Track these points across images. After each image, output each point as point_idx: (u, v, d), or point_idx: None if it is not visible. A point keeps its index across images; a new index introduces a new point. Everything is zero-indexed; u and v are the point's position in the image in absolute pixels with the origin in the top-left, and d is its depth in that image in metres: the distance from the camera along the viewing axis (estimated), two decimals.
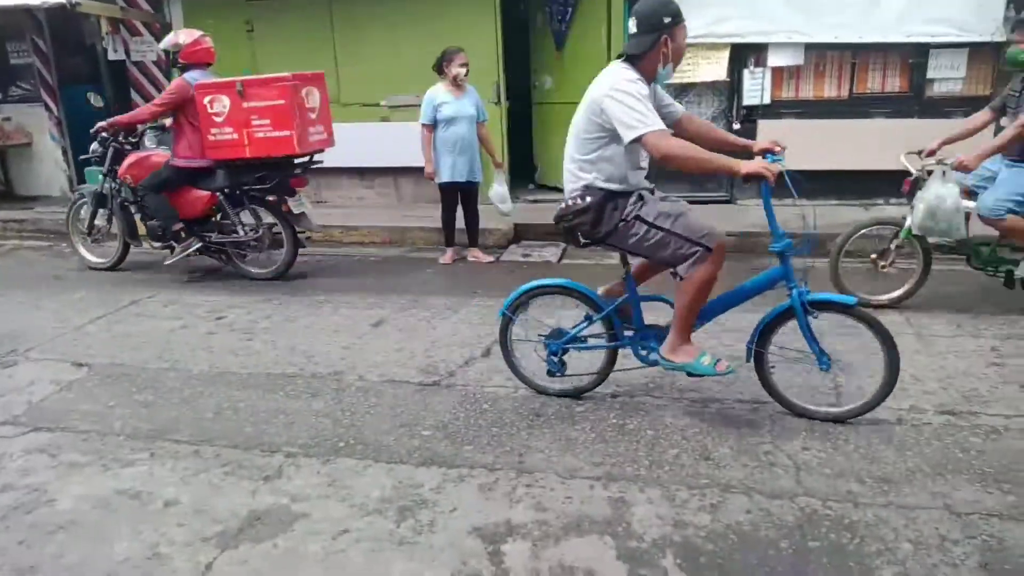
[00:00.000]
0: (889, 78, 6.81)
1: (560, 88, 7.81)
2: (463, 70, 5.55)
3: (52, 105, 8.59)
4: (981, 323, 4.21)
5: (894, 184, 6.93)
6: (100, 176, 5.91)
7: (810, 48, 6.75)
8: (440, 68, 5.60)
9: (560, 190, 8.52)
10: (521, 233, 6.68)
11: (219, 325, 4.58)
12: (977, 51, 6.54)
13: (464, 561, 2.29)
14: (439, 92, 5.60)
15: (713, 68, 6.90)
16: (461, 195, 5.87)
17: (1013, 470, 2.68)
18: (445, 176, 5.72)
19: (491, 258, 6.00)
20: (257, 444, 3.06)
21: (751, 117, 7.02)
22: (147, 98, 8.28)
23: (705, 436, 3.01)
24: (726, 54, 6.84)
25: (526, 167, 8.37)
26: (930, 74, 6.68)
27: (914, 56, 6.67)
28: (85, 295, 5.29)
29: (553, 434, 3.07)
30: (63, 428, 3.24)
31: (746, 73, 6.92)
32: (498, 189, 5.94)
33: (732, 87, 7.02)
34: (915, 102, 6.78)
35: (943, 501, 2.52)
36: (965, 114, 6.65)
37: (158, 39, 8.10)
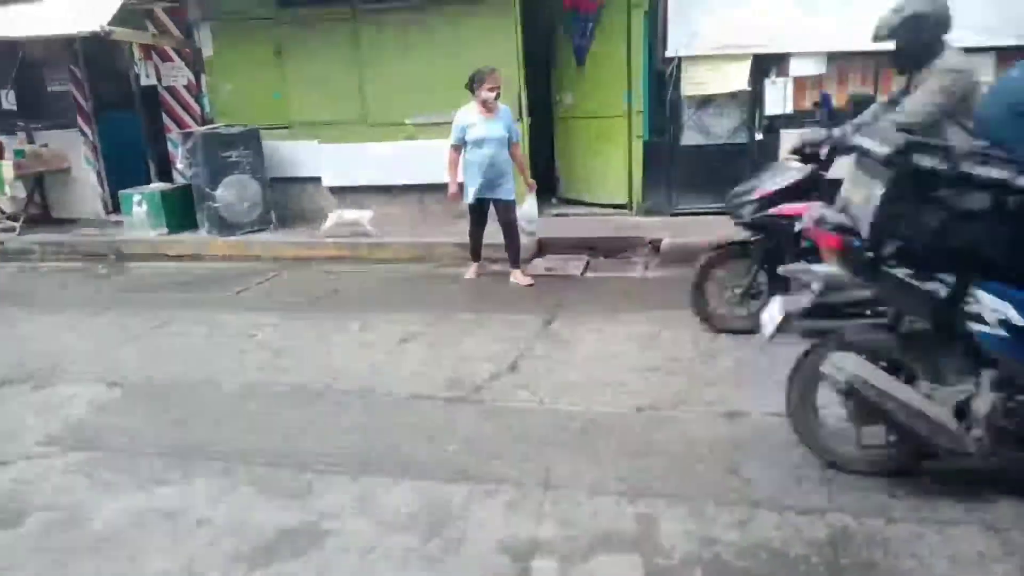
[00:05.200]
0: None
1: (582, 103, 7.85)
2: (492, 95, 5.47)
3: (87, 131, 8.83)
4: None
5: None
6: None
7: (833, 57, 6.71)
8: (472, 88, 5.55)
9: (583, 203, 8.55)
10: (545, 246, 6.70)
11: (251, 343, 4.66)
12: (1004, 54, 6.42)
13: None
14: (469, 113, 5.55)
15: (735, 79, 6.87)
16: (498, 214, 5.71)
17: None
18: (471, 198, 5.67)
19: (530, 280, 5.78)
20: (288, 461, 3.10)
21: (773, 127, 6.97)
22: (178, 122, 8.50)
23: (733, 450, 2.99)
24: (747, 64, 6.81)
25: (548, 181, 8.40)
26: None
27: None
28: (119, 315, 5.41)
29: (579, 448, 3.07)
30: (98, 447, 3.31)
31: (768, 83, 6.88)
32: (526, 210, 5.91)
33: (754, 97, 6.98)
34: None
35: (980, 516, 2.47)
36: None
37: (188, 64, 8.34)
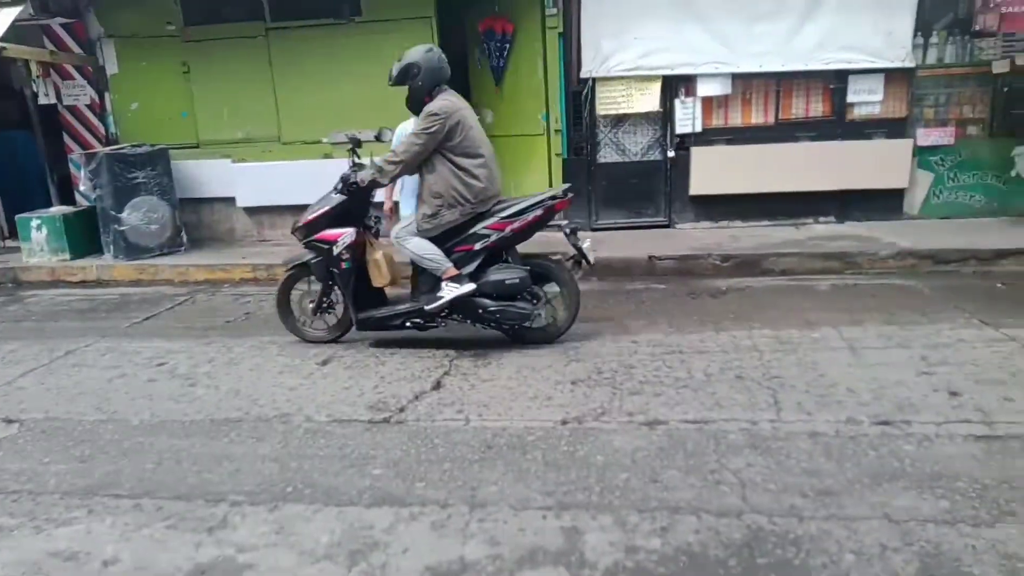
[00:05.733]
0: (812, 103, 7.15)
1: (500, 122, 7.94)
2: None
3: None
4: (909, 334, 4.40)
5: (822, 204, 7.33)
6: None
7: (736, 78, 7.05)
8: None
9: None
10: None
11: (159, 372, 4.45)
12: (892, 75, 6.92)
13: None
14: (408, 129, 5.28)
15: (646, 99, 7.12)
16: None
17: (944, 476, 2.80)
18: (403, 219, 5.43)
19: None
20: (201, 494, 2.97)
21: (684, 145, 7.26)
22: (80, 142, 8.10)
23: (653, 458, 3.06)
24: (658, 86, 7.08)
25: None
26: (850, 98, 7.04)
27: (834, 82, 7.03)
28: (16, 347, 5.08)
29: (505, 465, 3.07)
30: None
31: (677, 103, 7.16)
32: None
33: (665, 117, 7.25)
34: (838, 125, 7.13)
35: (882, 510, 2.61)
36: (885, 135, 7.06)
37: (91, 82, 7.98)
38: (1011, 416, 3.28)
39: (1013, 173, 7.04)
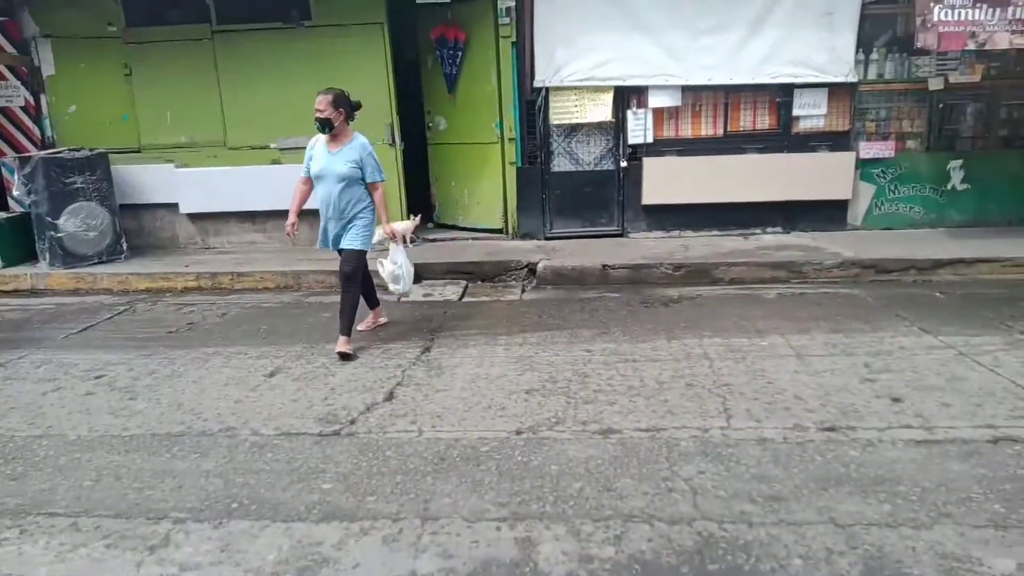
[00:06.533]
0: (759, 116, 7.31)
1: (453, 129, 7.91)
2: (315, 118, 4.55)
3: None
4: (853, 341, 4.52)
5: (770, 214, 7.50)
6: None
7: (686, 90, 7.17)
8: None
9: (459, 228, 8.60)
10: (421, 272, 6.63)
11: (98, 384, 4.28)
12: (836, 90, 7.14)
13: None
14: (318, 142, 4.75)
15: (599, 110, 7.19)
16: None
17: (887, 480, 2.88)
18: (318, 241, 4.88)
19: (384, 319, 5.30)
20: (142, 511, 2.86)
21: (636, 155, 7.35)
22: (14, 145, 7.78)
23: (607, 467, 3.06)
24: (610, 96, 7.15)
25: (424, 207, 8.38)
26: (795, 112, 7.22)
27: (780, 96, 7.21)
28: None
29: (459, 476, 3.04)
30: None
31: (629, 114, 7.25)
32: (388, 267, 4.99)
33: (617, 127, 7.33)
34: (784, 138, 7.30)
35: (828, 515, 2.66)
36: (829, 148, 7.27)
37: (25, 84, 7.66)
38: (949, 421, 3.40)
39: (949, 186, 7.33)
